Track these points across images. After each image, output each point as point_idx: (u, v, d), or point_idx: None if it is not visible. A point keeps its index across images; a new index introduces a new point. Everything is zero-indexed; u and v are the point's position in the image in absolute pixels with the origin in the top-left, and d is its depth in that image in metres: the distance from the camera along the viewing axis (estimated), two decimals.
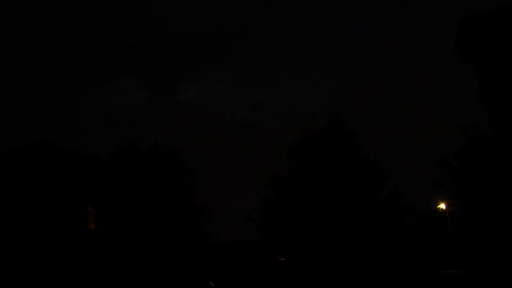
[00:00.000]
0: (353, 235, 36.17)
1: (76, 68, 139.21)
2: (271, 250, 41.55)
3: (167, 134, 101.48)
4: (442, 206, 36.98)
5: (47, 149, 32.74)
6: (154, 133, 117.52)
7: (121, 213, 36.39)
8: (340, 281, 32.57)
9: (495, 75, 12.63)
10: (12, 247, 30.02)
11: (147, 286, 35.32)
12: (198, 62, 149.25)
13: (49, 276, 28.95)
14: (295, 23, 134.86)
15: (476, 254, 31.29)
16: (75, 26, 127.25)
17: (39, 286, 28.28)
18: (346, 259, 35.33)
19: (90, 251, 32.34)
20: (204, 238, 44.47)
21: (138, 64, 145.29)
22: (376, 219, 36.18)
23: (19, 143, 35.57)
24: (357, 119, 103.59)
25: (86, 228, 33.51)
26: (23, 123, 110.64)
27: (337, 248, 35.88)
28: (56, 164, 32.64)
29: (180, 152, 45.02)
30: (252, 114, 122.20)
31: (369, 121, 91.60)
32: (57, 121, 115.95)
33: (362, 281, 30.87)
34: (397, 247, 37.48)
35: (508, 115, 11.89)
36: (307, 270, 35.78)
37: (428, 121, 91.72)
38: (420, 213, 41.40)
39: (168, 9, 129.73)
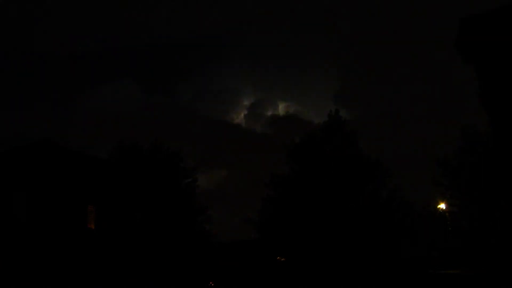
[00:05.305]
0: (353, 235, 36.16)
1: (76, 69, 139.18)
2: (271, 250, 41.55)
3: (167, 134, 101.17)
4: (442, 206, 37.05)
5: (47, 149, 32.72)
6: (154, 133, 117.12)
7: (121, 213, 36.37)
8: (340, 281, 32.55)
9: (495, 75, 12.62)
10: (11, 247, 30.02)
11: (147, 286, 35.31)
12: (198, 63, 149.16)
13: (49, 276, 28.94)
14: (294, 25, 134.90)
15: (476, 254, 31.33)
16: (75, 28, 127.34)
17: (39, 286, 28.28)
18: (346, 259, 35.34)
19: (90, 251, 32.31)
20: (204, 238, 44.47)
21: (138, 65, 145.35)
22: (376, 219, 36.21)
23: (19, 143, 35.59)
24: (357, 118, 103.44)
25: (86, 228, 33.47)
26: (23, 124, 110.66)
27: (337, 248, 35.89)
28: (56, 164, 32.61)
29: (180, 152, 45.10)
30: (252, 114, 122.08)
31: (369, 121, 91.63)
32: (57, 122, 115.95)
33: (362, 281, 30.84)
34: (397, 247, 37.51)
35: (508, 115, 11.87)
36: (307, 270, 35.76)
37: (428, 121, 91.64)
38: (420, 213, 41.42)
39: (168, 11, 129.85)
